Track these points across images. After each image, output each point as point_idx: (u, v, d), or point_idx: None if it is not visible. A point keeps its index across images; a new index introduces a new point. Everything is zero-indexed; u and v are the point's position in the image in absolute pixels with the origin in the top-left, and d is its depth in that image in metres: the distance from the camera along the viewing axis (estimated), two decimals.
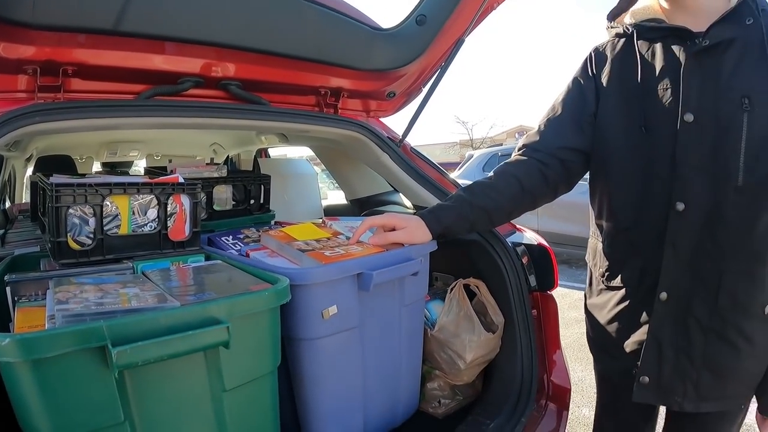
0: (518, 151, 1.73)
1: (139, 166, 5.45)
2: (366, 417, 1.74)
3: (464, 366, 1.97)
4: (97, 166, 4.87)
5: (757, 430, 1.57)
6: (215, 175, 2.44)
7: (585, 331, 1.82)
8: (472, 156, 11.04)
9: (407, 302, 1.80)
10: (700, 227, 1.38)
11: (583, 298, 1.81)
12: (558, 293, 2.00)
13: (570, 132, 1.63)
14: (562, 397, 2.13)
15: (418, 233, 1.69)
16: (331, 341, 1.56)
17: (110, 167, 4.72)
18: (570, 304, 6.05)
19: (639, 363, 1.49)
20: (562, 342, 2.20)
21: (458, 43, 2.25)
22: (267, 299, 1.31)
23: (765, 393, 1.48)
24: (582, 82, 1.63)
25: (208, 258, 1.78)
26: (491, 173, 1.74)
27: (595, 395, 1.89)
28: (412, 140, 2.51)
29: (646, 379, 1.49)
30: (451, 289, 2.09)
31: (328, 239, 1.79)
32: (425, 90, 2.43)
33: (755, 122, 1.31)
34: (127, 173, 4.11)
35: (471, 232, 1.82)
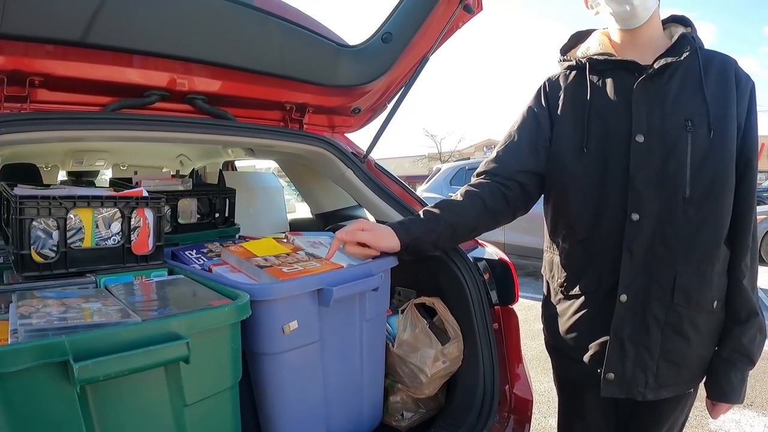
0: (478, 176, 1.84)
1: (107, 175, 5.39)
2: (329, 430, 1.75)
3: (426, 379, 1.99)
4: (62, 175, 4.80)
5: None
6: (180, 188, 2.43)
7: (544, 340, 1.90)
8: (439, 169, 11.12)
9: (368, 317, 1.81)
10: (654, 234, 1.55)
11: (542, 309, 1.91)
12: (524, 305, 2.06)
13: (527, 156, 1.76)
14: (524, 408, 2.16)
15: (384, 238, 1.74)
16: (293, 356, 1.58)
17: (76, 176, 4.64)
18: (536, 316, 6.02)
19: (604, 361, 1.61)
20: (529, 353, 2.24)
21: (423, 61, 2.29)
22: (227, 315, 1.32)
23: (711, 381, 1.66)
24: (536, 110, 1.77)
25: (171, 272, 1.77)
26: (456, 194, 1.82)
27: None
28: (381, 153, 2.55)
29: (612, 375, 1.61)
30: (403, 311, 2.12)
31: (288, 255, 1.79)
32: (390, 106, 2.46)
33: (697, 141, 1.50)
34: (93, 183, 4.03)
35: (435, 250, 1.87)
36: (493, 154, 1.84)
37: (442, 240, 1.79)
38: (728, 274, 1.62)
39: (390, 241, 1.74)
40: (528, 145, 1.76)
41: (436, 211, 1.78)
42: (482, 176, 1.83)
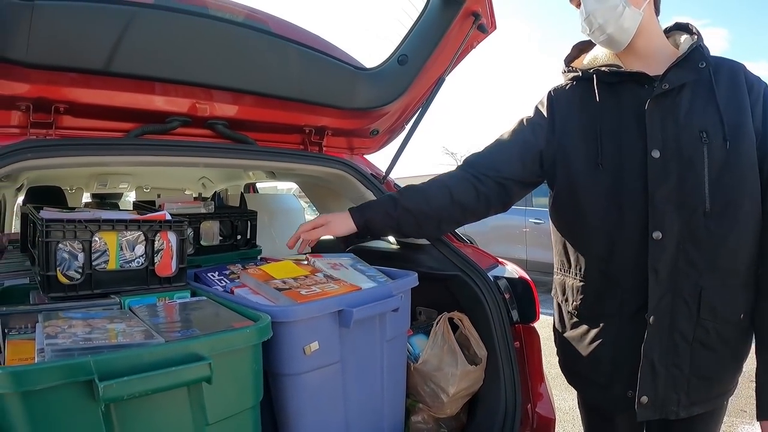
0: (458, 165, 1.83)
1: (131, 197, 5.47)
2: None
3: (447, 399, 1.98)
4: (87, 197, 4.88)
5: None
6: (202, 210, 2.46)
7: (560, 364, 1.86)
8: None
9: (389, 337, 1.81)
10: (677, 251, 1.51)
11: (554, 333, 1.87)
12: (548, 322, 2.02)
13: (511, 162, 1.74)
14: (546, 427, 2.14)
15: (338, 226, 1.82)
16: (314, 376, 1.58)
17: (100, 198, 4.72)
18: None
19: (637, 385, 1.56)
20: (553, 370, 2.20)
21: (439, 82, 2.29)
22: (248, 336, 1.34)
23: (762, 402, 1.57)
24: (535, 120, 1.75)
25: (194, 294, 1.79)
26: (427, 181, 1.84)
27: None
28: (401, 173, 2.54)
29: (645, 398, 1.56)
30: (437, 323, 2.11)
31: (306, 277, 1.80)
32: (408, 127, 2.47)
33: (713, 153, 1.46)
34: (116, 205, 4.10)
35: (401, 234, 1.94)
36: (482, 148, 1.82)
37: (404, 227, 1.82)
38: (764, 292, 1.55)
39: (344, 226, 1.81)
40: (516, 152, 1.74)
41: (395, 195, 1.81)
42: (460, 166, 1.83)
